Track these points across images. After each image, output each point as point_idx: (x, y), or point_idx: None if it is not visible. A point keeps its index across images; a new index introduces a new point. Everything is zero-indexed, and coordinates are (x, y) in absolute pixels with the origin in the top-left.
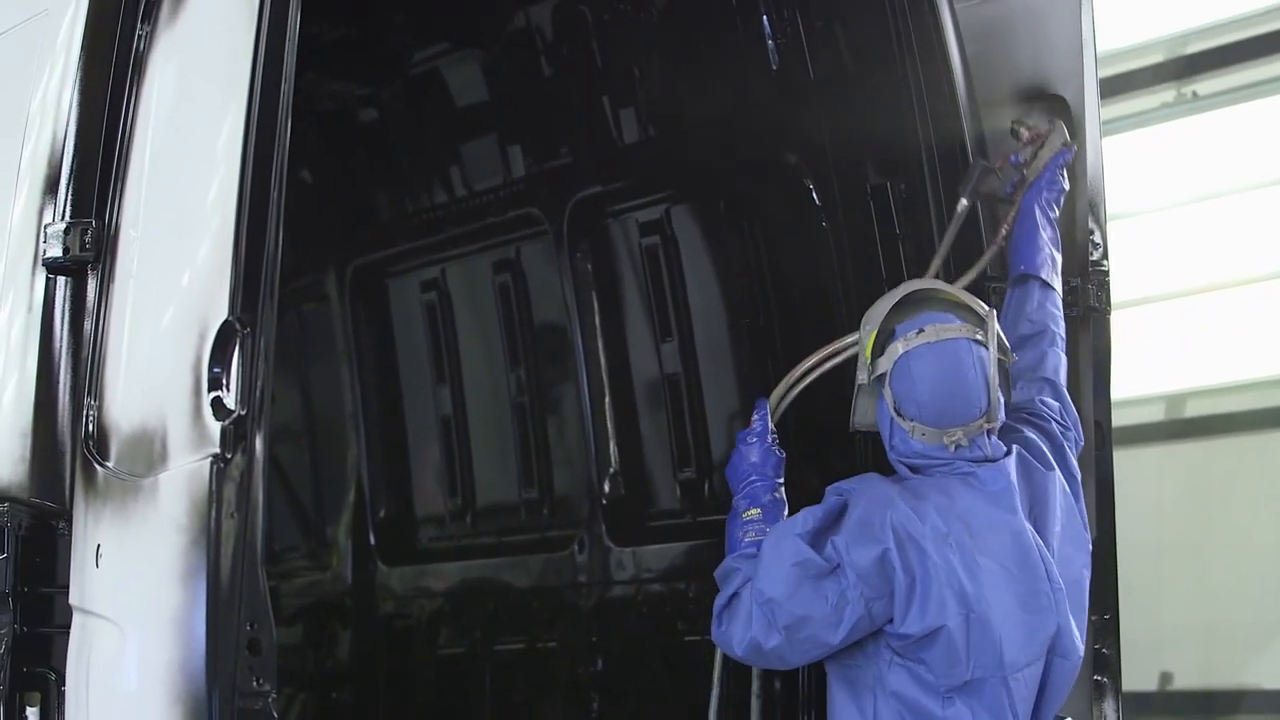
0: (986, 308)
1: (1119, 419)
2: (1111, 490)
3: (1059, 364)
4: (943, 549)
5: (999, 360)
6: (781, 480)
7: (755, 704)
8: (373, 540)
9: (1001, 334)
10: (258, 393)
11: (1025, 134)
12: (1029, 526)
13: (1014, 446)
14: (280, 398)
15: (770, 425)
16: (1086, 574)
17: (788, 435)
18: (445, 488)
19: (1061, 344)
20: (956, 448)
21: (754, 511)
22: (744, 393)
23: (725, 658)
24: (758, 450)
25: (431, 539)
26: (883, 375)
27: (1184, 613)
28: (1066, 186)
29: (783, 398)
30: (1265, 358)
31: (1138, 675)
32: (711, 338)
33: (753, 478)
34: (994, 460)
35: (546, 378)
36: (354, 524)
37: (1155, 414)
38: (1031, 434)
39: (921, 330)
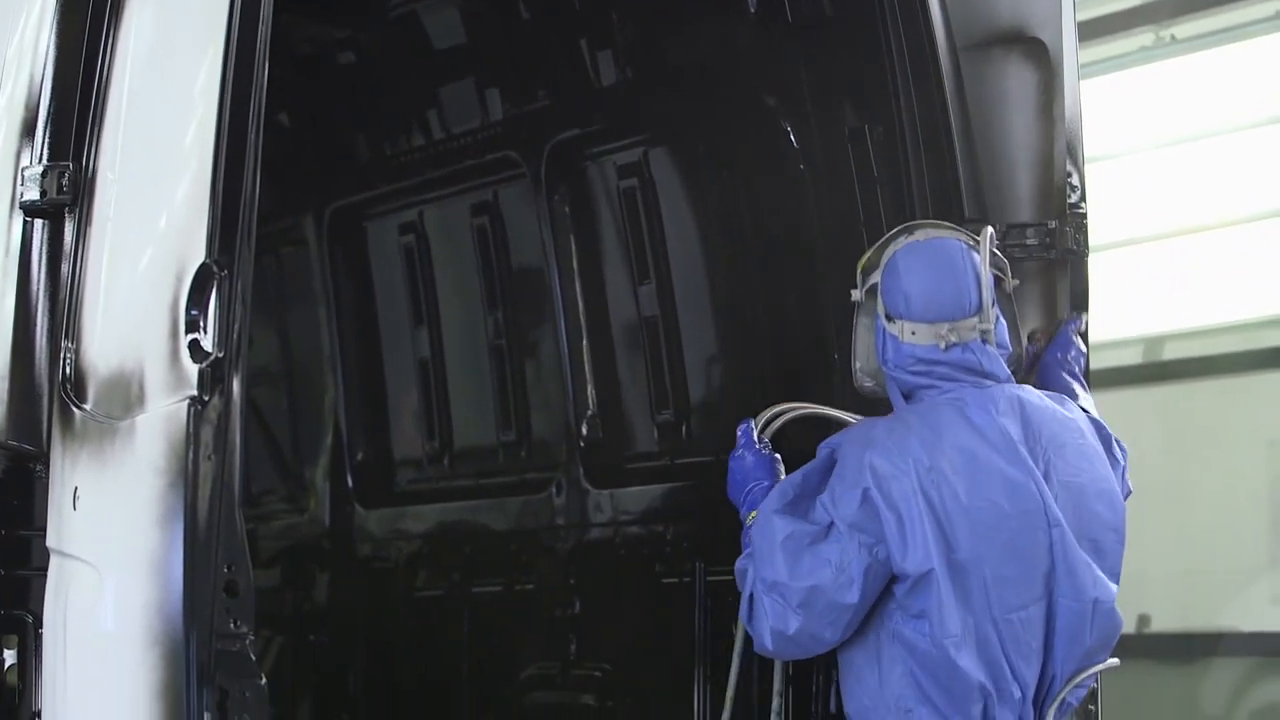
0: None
1: (1097, 362)
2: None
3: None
4: (925, 484)
5: (998, 278)
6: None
7: (776, 702)
8: (350, 483)
9: (1000, 253)
10: (235, 335)
11: (1040, 337)
12: (1026, 461)
13: (1028, 388)
14: (258, 340)
15: (754, 436)
16: (1115, 538)
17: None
18: (423, 430)
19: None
20: (948, 346)
21: (756, 515)
22: (722, 335)
23: (746, 659)
24: (749, 459)
25: (409, 481)
26: (874, 286)
27: (1162, 556)
28: (1084, 349)
29: (771, 420)
30: (1244, 300)
31: None
32: (689, 280)
33: (749, 484)
34: (992, 378)
35: (524, 320)
36: (332, 467)
37: (1133, 357)
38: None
39: (912, 233)
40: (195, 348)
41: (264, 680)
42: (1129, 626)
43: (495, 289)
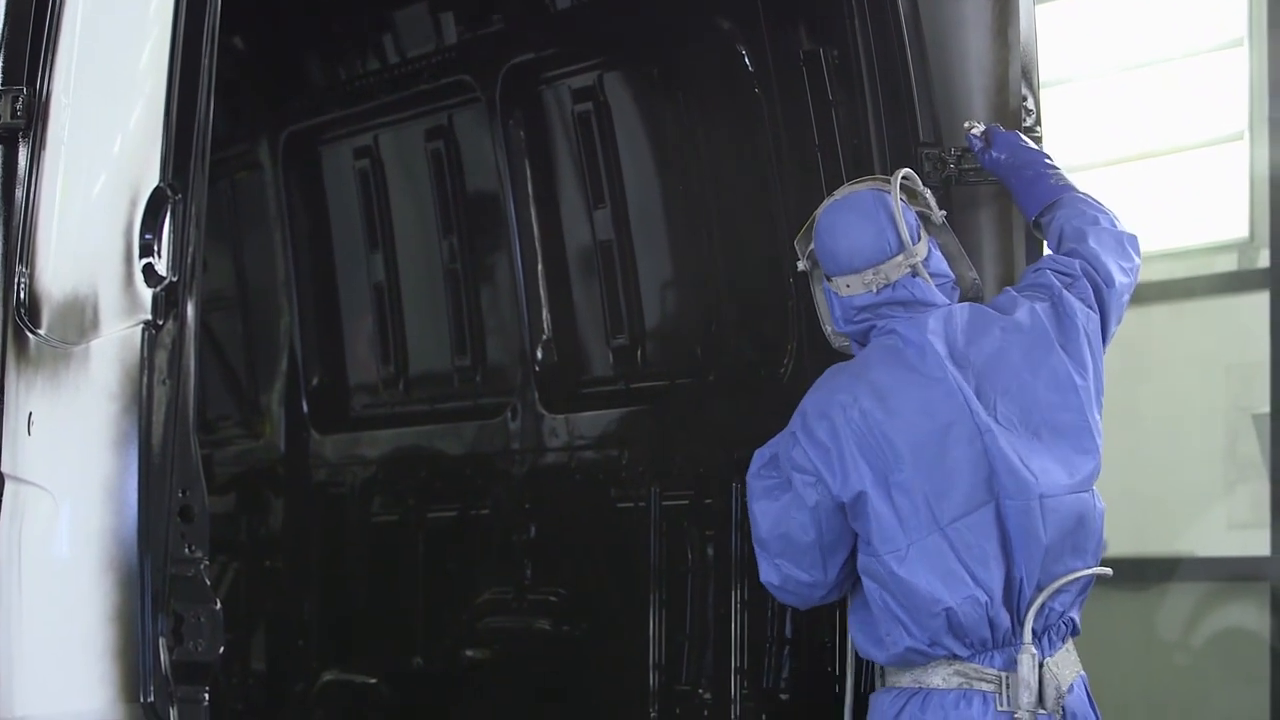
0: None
1: None
2: None
3: (1073, 225)
4: (849, 415)
5: (922, 214)
6: None
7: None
8: (305, 408)
9: (917, 181)
10: (189, 259)
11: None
12: (953, 375)
13: (966, 305)
14: (212, 266)
15: None
16: (1073, 416)
17: None
18: (378, 355)
19: (1079, 204)
20: (879, 289)
21: None
22: (676, 259)
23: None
24: None
25: (364, 406)
26: (810, 252)
27: (1116, 481)
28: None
29: None
30: (1197, 225)
31: None
32: (645, 204)
33: None
34: (927, 305)
35: (479, 245)
36: (287, 392)
37: None
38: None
39: (832, 195)
40: (149, 272)
41: (219, 605)
42: None
43: (450, 214)
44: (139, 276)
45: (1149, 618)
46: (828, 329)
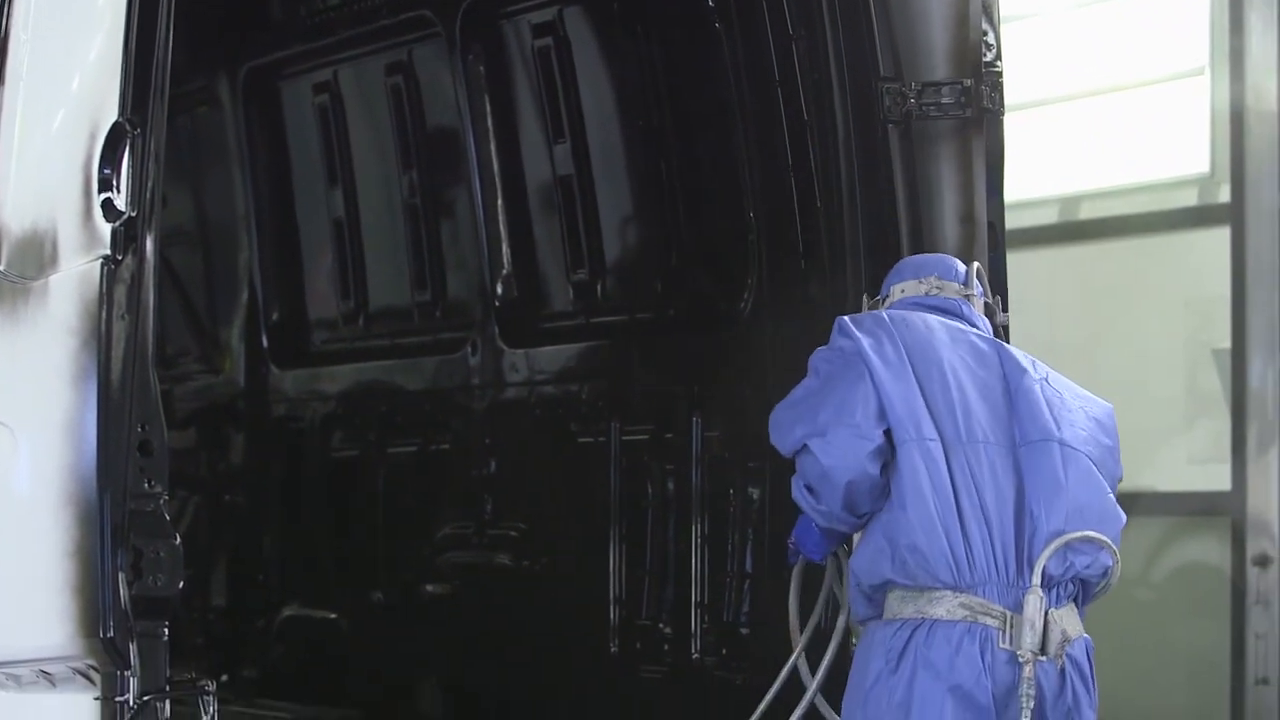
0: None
1: (1013, 221)
2: (1005, 294)
3: None
4: (885, 345)
5: (988, 304)
6: None
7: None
8: (265, 343)
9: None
10: (148, 194)
11: None
12: (995, 349)
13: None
14: (172, 201)
15: None
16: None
17: None
18: (338, 290)
19: None
20: (931, 292)
21: None
22: (637, 194)
23: None
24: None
25: (324, 341)
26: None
27: None
28: None
29: None
30: (1159, 160)
31: None
32: (604, 140)
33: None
34: (969, 324)
35: (439, 180)
36: (247, 327)
37: (1049, 216)
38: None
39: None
40: (108, 207)
41: (178, 540)
42: None
43: (410, 149)
44: (98, 211)
45: None
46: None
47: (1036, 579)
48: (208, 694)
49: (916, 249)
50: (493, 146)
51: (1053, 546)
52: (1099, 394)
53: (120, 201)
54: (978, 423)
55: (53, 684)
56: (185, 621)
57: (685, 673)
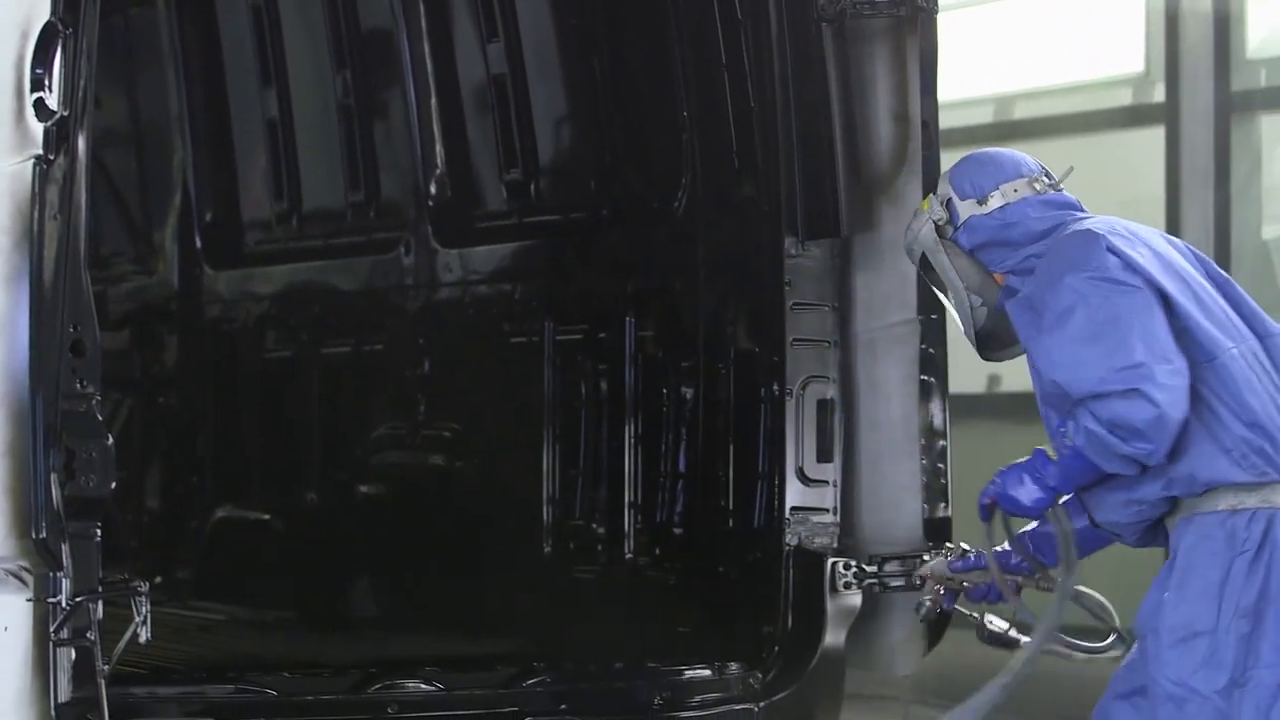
0: None
1: (947, 121)
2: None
3: None
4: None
5: None
6: None
7: None
8: (199, 244)
9: None
10: (80, 94)
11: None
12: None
13: None
14: (105, 102)
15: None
16: None
17: None
18: (271, 191)
19: None
20: (1042, 191)
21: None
22: (570, 93)
23: None
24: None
25: (258, 242)
26: (945, 200)
27: None
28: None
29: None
30: (1094, 59)
31: (965, 377)
32: (538, 39)
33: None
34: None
35: (373, 80)
36: (180, 228)
37: (984, 116)
38: None
39: None
40: (40, 106)
41: (110, 441)
42: (978, 386)
43: (344, 48)
44: (30, 111)
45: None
46: (978, 304)
47: None
48: (140, 595)
49: (850, 148)
50: (426, 46)
51: None
52: None
53: (52, 101)
54: (1235, 323)
55: None
56: (118, 523)
57: (618, 573)
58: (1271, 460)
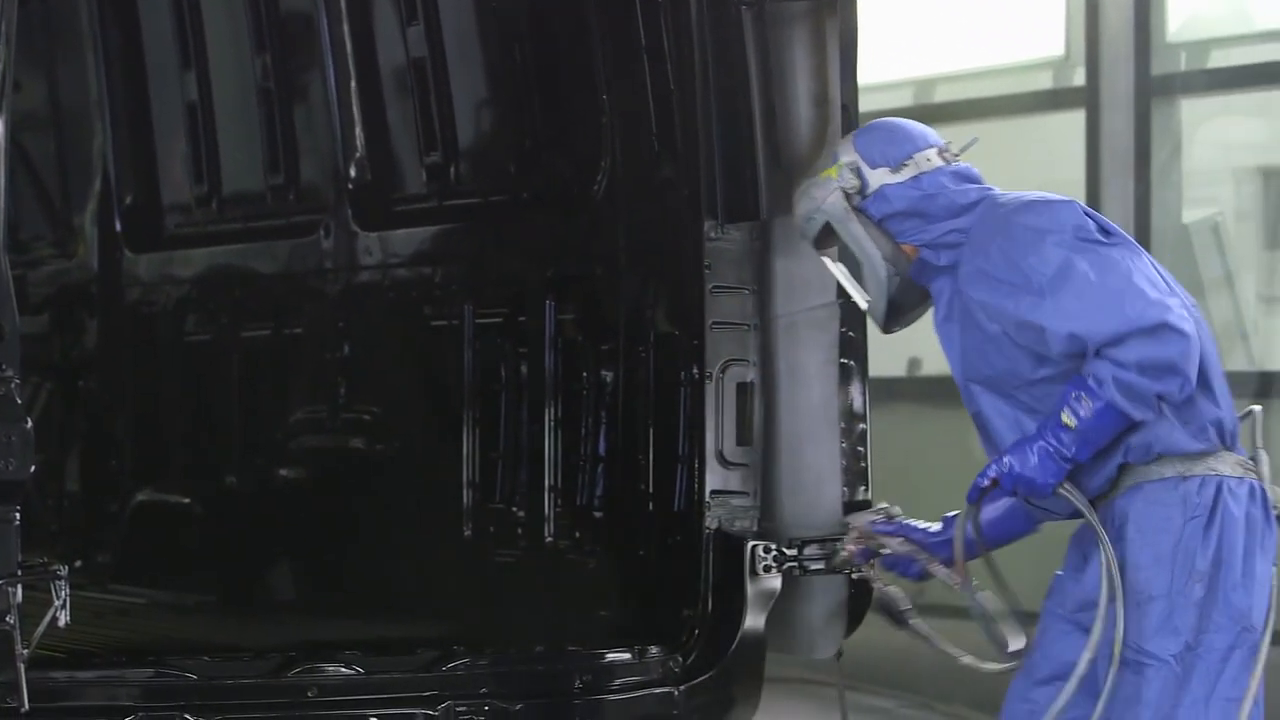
0: None
1: (867, 104)
2: None
3: None
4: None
5: None
6: None
7: None
8: (119, 227)
9: None
10: None
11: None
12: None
13: None
14: (24, 85)
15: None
16: None
17: None
18: (191, 174)
19: None
20: (950, 163)
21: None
22: (490, 77)
23: None
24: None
25: (178, 225)
26: (851, 165)
27: None
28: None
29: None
30: (1014, 43)
31: (886, 360)
32: (458, 22)
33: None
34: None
35: (292, 63)
36: (100, 211)
37: (904, 99)
38: None
39: None
40: None
41: (30, 424)
42: (899, 369)
43: (263, 31)
44: None
45: (964, 435)
46: (880, 273)
47: (1259, 441)
48: (60, 578)
49: (769, 132)
50: (346, 29)
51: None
52: None
53: None
54: (1181, 294)
55: None
56: (38, 507)
57: (538, 556)
58: (1223, 431)
